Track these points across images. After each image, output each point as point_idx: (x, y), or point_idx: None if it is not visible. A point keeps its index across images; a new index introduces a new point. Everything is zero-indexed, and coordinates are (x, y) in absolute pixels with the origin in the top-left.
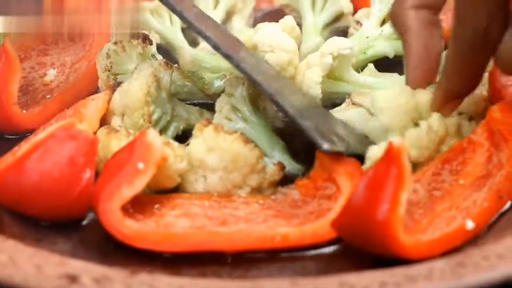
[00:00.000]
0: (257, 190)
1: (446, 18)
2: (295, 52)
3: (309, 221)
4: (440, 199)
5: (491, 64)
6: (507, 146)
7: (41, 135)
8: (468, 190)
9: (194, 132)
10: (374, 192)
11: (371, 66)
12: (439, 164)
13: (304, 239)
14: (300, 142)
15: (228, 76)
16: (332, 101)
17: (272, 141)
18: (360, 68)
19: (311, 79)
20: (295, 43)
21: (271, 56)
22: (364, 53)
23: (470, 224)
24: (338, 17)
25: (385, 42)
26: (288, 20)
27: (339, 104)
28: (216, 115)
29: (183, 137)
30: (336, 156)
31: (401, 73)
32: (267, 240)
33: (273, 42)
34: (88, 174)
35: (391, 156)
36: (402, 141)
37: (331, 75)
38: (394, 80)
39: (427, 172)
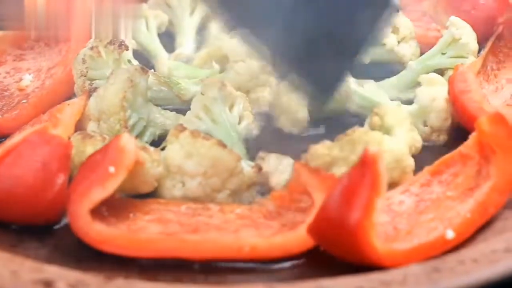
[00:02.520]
0: (236, 193)
1: (421, 23)
2: None
3: (281, 232)
4: (426, 210)
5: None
6: (495, 158)
7: (14, 139)
8: (455, 201)
9: (169, 137)
10: (348, 198)
11: None
12: (428, 175)
13: (273, 251)
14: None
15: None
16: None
17: (235, 144)
18: None
19: (298, 102)
20: None
21: (241, 65)
22: None
23: (450, 234)
24: None
25: None
26: None
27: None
28: (187, 113)
29: (159, 142)
30: (314, 169)
31: (376, 79)
32: (234, 250)
33: (243, 51)
34: (61, 179)
35: (366, 162)
36: (377, 148)
37: None
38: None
39: (415, 183)
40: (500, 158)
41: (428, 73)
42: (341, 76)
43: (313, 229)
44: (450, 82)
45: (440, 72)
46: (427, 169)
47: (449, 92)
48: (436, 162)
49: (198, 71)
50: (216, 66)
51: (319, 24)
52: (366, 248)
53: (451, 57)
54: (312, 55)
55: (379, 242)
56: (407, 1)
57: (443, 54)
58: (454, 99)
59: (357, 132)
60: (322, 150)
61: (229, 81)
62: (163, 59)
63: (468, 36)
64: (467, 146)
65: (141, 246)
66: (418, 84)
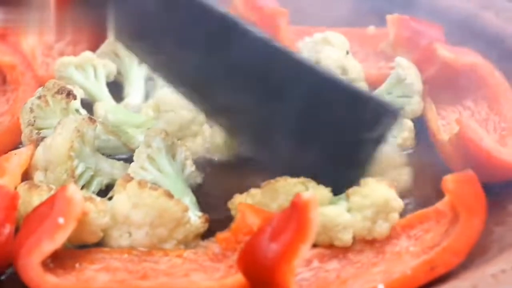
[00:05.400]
0: (182, 243)
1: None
2: None
3: (230, 274)
4: (380, 262)
5: None
6: (461, 217)
7: None
8: (413, 257)
9: (116, 187)
10: (272, 239)
11: None
12: (399, 229)
13: None
14: (213, 199)
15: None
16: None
17: (183, 193)
18: None
19: (214, 141)
20: None
21: (170, 115)
22: None
23: None
24: None
25: None
26: None
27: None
28: (132, 164)
29: (106, 192)
30: (259, 210)
31: None
32: None
33: (174, 101)
34: (7, 229)
35: (295, 207)
36: (312, 195)
37: None
38: None
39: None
40: (463, 219)
41: None
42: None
43: (240, 262)
44: None
45: None
46: (399, 222)
47: None
48: (409, 216)
49: (134, 115)
50: (151, 113)
51: (325, 139)
52: None
53: (397, 97)
54: (322, 166)
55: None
56: (353, 43)
57: (389, 94)
58: None
59: (280, 181)
60: (241, 199)
61: None
62: (101, 103)
63: (412, 77)
64: (443, 203)
65: None
66: None
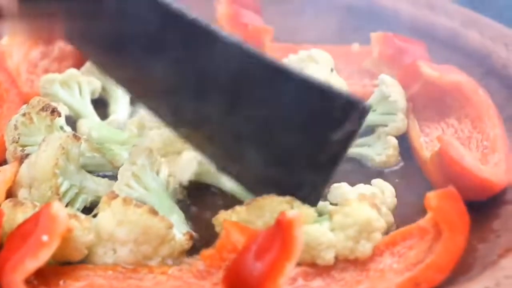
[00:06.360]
0: (167, 260)
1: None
2: None
3: None
4: (363, 280)
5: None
6: (444, 234)
7: None
8: (396, 274)
9: (101, 205)
10: (257, 257)
11: None
12: (382, 246)
13: None
14: (198, 215)
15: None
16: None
17: (170, 209)
18: None
19: (185, 163)
20: None
21: (155, 132)
22: None
23: None
24: None
25: None
26: None
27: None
28: (117, 182)
29: (91, 209)
30: (244, 227)
31: None
32: None
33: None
34: None
35: (280, 225)
36: (297, 213)
37: None
38: None
39: None
40: (446, 235)
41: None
42: (321, 189)
43: (225, 280)
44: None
45: (372, 128)
46: (383, 238)
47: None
48: (392, 233)
49: (118, 133)
50: (135, 130)
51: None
52: None
53: (381, 114)
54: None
55: None
56: (338, 61)
57: (373, 111)
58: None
59: (266, 199)
60: (226, 216)
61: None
62: (85, 120)
63: (396, 94)
64: (426, 220)
65: None
66: None
